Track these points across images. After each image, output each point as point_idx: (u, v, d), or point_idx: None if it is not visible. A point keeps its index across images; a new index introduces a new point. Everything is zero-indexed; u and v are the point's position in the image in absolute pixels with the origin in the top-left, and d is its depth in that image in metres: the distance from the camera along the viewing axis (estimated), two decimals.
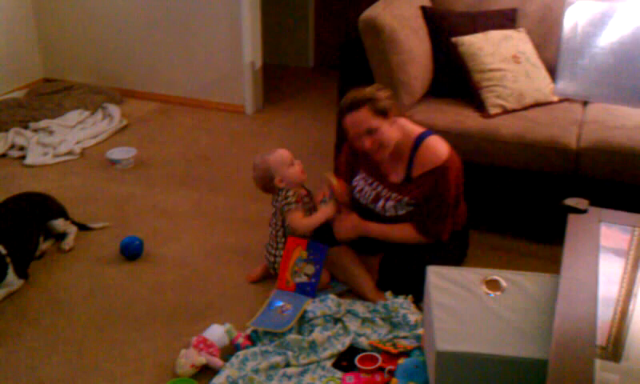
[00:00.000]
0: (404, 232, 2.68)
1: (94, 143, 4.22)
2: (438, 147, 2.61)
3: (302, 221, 2.75)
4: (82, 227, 3.20)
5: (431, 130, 2.71)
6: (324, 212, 2.76)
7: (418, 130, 2.68)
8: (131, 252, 2.98)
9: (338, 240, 2.77)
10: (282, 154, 2.80)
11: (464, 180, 2.71)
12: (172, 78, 4.93)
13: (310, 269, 2.70)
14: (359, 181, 2.82)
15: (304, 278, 2.69)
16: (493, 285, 2.12)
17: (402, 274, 2.67)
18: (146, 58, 4.94)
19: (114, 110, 4.61)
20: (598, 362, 1.62)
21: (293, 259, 2.73)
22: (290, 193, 2.75)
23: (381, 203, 2.72)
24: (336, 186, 2.76)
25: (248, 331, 2.48)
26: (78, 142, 4.16)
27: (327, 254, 2.73)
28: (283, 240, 2.80)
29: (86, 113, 4.54)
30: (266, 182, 2.82)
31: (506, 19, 3.46)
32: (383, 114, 2.57)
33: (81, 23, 5.00)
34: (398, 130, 2.64)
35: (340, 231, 2.76)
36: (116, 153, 3.93)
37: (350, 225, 2.75)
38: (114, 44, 4.98)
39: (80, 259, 3.00)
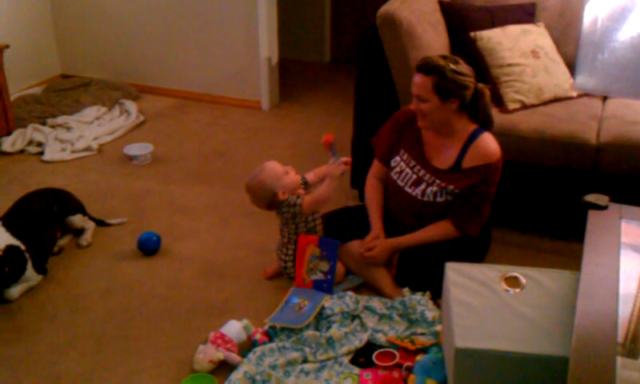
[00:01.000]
0: (439, 231, 2.67)
1: (111, 139, 4.24)
2: (494, 145, 2.61)
3: (316, 196, 2.72)
4: (100, 223, 3.21)
5: None
6: (332, 173, 2.70)
7: (474, 124, 2.64)
8: (149, 248, 2.99)
9: (374, 266, 2.74)
10: (274, 167, 2.74)
11: None
12: (188, 74, 4.93)
13: (325, 265, 2.69)
14: (399, 162, 2.77)
15: (320, 275, 2.69)
16: (512, 282, 2.10)
17: (422, 270, 2.65)
18: (162, 54, 4.95)
19: (130, 105, 4.63)
20: (619, 360, 1.61)
21: (307, 257, 2.73)
22: (293, 197, 2.71)
23: (422, 187, 2.68)
24: (332, 138, 2.70)
25: (265, 327, 2.48)
26: (95, 138, 4.17)
27: (339, 248, 2.72)
28: (293, 248, 2.77)
29: (103, 109, 4.55)
30: (269, 200, 2.73)
31: (525, 13, 3.43)
32: (442, 93, 2.52)
33: (98, 19, 5.02)
34: (452, 116, 2.59)
35: (376, 259, 2.71)
36: (133, 149, 3.95)
37: (383, 249, 2.71)
38: (131, 40, 4.99)
39: (98, 255, 3.02)
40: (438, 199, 2.65)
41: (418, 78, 2.56)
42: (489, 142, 2.60)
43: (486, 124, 2.65)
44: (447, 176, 2.63)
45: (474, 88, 2.58)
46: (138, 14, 4.89)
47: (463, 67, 2.56)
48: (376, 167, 2.89)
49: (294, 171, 2.77)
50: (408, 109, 2.71)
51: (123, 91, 4.81)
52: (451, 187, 2.62)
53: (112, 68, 5.13)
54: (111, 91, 4.78)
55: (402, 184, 2.73)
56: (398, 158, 2.77)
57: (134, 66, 5.07)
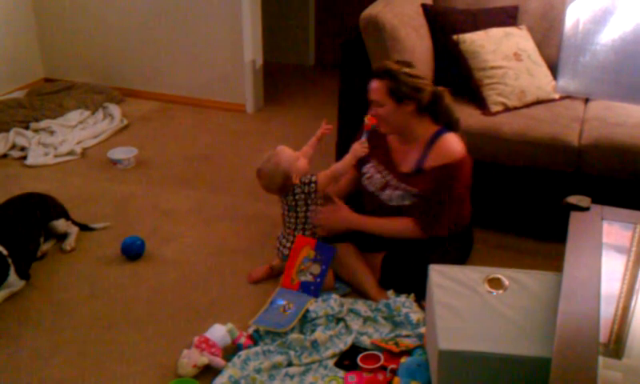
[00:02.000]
0: (401, 226, 2.67)
1: (95, 143, 4.22)
2: (455, 144, 2.61)
3: (332, 170, 2.73)
4: (84, 227, 3.20)
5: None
6: (357, 152, 2.71)
7: (437, 126, 2.66)
8: (133, 252, 2.97)
9: (321, 232, 2.76)
10: (289, 152, 2.77)
11: (472, 181, 2.72)
12: (173, 78, 4.92)
13: (317, 269, 2.70)
14: (370, 168, 2.81)
15: (309, 277, 2.69)
16: (495, 283, 2.11)
17: (405, 273, 2.66)
18: (146, 58, 4.94)
19: (114, 109, 4.61)
20: (601, 360, 1.62)
21: (300, 258, 2.73)
22: (307, 176, 2.73)
23: (388, 192, 2.71)
24: (368, 125, 2.69)
25: (250, 330, 2.48)
26: (78, 142, 4.16)
27: (335, 255, 2.73)
28: (302, 228, 2.78)
29: (87, 112, 4.53)
30: (282, 184, 2.74)
31: (507, 16, 3.45)
32: (396, 96, 2.56)
33: (81, 23, 4.99)
34: (411, 119, 2.62)
35: (327, 220, 2.74)
36: (117, 153, 3.93)
37: (339, 216, 2.74)
38: (115, 43, 4.98)
39: (81, 260, 3.00)
40: (405, 202, 2.67)
41: (373, 84, 2.61)
42: (451, 142, 2.61)
43: (450, 125, 2.67)
44: (410, 179, 2.66)
45: (431, 91, 2.62)
46: (121, 18, 4.87)
47: (417, 71, 2.61)
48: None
49: (304, 154, 2.81)
50: None
51: (107, 95, 4.79)
52: (415, 190, 2.64)
53: (95, 71, 5.11)
54: (95, 95, 4.76)
55: (372, 189, 2.77)
56: (368, 165, 2.82)
57: (118, 70, 5.05)
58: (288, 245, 2.79)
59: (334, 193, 2.85)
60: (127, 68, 5.02)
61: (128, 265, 2.96)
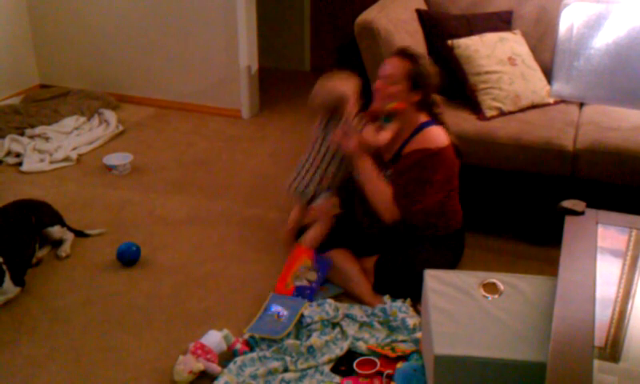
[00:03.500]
0: (384, 192, 2.65)
1: (91, 149, 4.21)
2: (436, 135, 2.64)
3: (376, 135, 2.69)
4: (79, 234, 3.19)
5: None
6: (393, 129, 2.68)
7: (426, 119, 2.69)
8: (128, 258, 2.97)
9: (341, 148, 2.71)
10: (356, 86, 2.74)
11: (458, 181, 2.72)
12: (168, 83, 4.92)
13: (313, 275, 2.70)
14: None
15: (304, 282, 2.69)
16: (490, 288, 2.12)
17: (397, 276, 2.67)
18: (142, 63, 4.94)
19: (110, 115, 4.61)
20: (597, 363, 1.62)
21: (297, 266, 2.73)
22: (357, 117, 2.71)
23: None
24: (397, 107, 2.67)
25: (246, 336, 2.48)
26: (74, 149, 4.15)
27: (331, 268, 2.74)
28: (325, 167, 2.76)
29: (83, 119, 4.53)
30: (335, 105, 2.71)
31: (502, 21, 3.46)
32: (413, 81, 2.60)
33: (76, 29, 4.99)
34: (411, 112, 2.65)
35: (343, 141, 2.67)
36: (112, 159, 3.93)
37: (353, 144, 2.66)
38: (110, 49, 4.97)
39: (77, 266, 2.99)
40: None
41: (394, 60, 2.64)
42: (433, 132, 2.64)
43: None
44: (387, 164, 2.70)
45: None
46: (117, 23, 4.87)
47: (428, 61, 2.66)
48: None
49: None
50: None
51: (102, 101, 4.79)
52: (389, 172, 2.67)
53: (91, 77, 5.10)
54: (90, 101, 4.75)
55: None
56: None
57: (114, 76, 5.04)
58: (310, 176, 2.77)
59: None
60: (123, 74, 5.02)
61: (123, 271, 2.95)
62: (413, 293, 2.53)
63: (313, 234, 2.83)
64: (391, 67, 2.63)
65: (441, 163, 2.63)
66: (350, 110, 2.70)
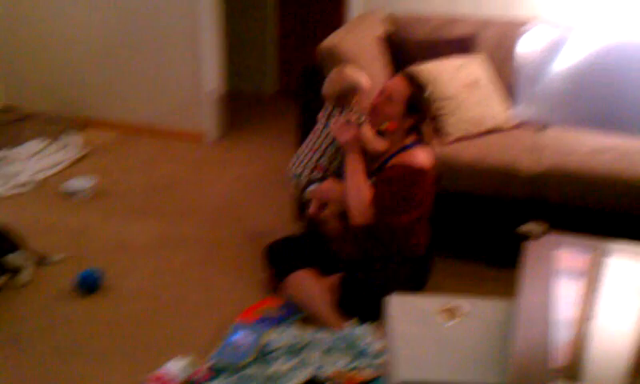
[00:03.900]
0: (364, 193, 2.66)
1: (53, 173, 4.16)
2: (420, 156, 2.68)
3: (375, 138, 2.71)
4: (40, 260, 3.14)
5: None
6: (384, 143, 2.73)
7: (412, 140, 2.74)
8: (89, 285, 2.93)
9: (338, 137, 2.71)
10: (370, 84, 2.76)
11: (430, 207, 2.76)
12: (132, 106, 4.89)
13: (279, 312, 2.72)
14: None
15: (270, 313, 2.70)
16: (451, 312, 2.13)
17: (363, 296, 2.68)
18: (106, 86, 4.90)
19: (73, 138, 4.56)
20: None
21: (264, 306, 2.78)
22: (360, 110, 2.71)
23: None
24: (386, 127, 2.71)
25: (209, 364, 2.45)
26: (36, 172, 4.10)
27: (299, 315, 2.75)
28: (320, 155, 2.77)
29: (45, 142, 4.48)
30: (344, 93, 2.72)
31: (464, 46, 3.51)
32: (410, 107, 2.65)
33: (40, 51, 4.95)
34: (401, 132, 2.71)
35: (342, 132, 2.69)
36: (75, 183, 3.88)
37: (351, 136, 2.68)
38: (74, 72, 4.93)
39: (37, 293, 2.94)
40: None
41: (399, 81, 2.68)
42: (418, 153, 2.69)
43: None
44: (372, 174, 2.72)
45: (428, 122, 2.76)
46: (82, 46, 4.84)
47: (429, 89, 2.72)
48: None
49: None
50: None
51: (66, 124, 4.74)
52: (372, 180, 2.70)
53: (55, 100, 5.05)
54: (53, 124, 4.70)
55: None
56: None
57: (78, 98, 5.00)
58: (305, 162, 2.79)
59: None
60: (87, 97, 4.98)
61: (85, 298, 2.91)
62: (377, 312, 2.54)
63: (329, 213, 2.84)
64: (394, 88, 2.68)
65: (420, 183, 2.68)
66: (359, 101, 2.72)
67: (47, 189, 3.98)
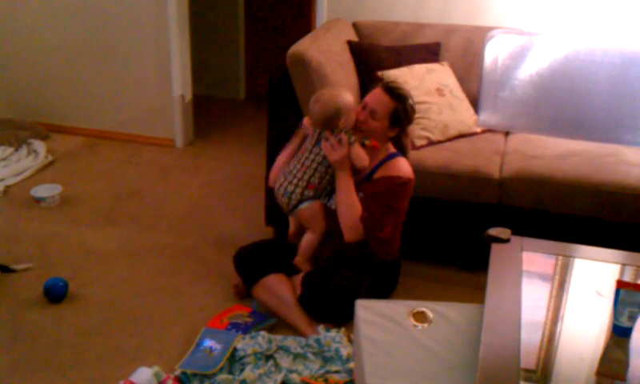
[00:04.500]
0: (356, 211, 2.67)
1: (18, 181, 4.10)
2: (406, 167, 2.72)
3: (364, 154, 2.69)
4: (4, 269, 3.09)
5: None
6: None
7: (394, 149, 2.78)
8: (55, 294, 2.89)
9: (329, 156, 2.70)
10: (352, 99, 2.74)
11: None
12: (99, 112, 4.84)
13: (249, 319, 2.71)
14: None
15: (240, 320, 2.69)
16: (420, 317, 2.14)
17: (326, 296, 2.70)
18: (72, 92, 4.85)
19: (39, 145, 4.51)
20: None
21: (234, 313, 2.76)
22: (347, 130, 2.69)
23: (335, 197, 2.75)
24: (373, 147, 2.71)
25: (177, 373, 2.43)
26: (1, 180, 4.03)
27: (268, 322, 2.75)
28: (311, 173, 2.75)
29: (10, 149, 4.41)
30: (330, 118, 2.69)
31: (430, 53, 3.55)
32: (394, 120, 2.68)
33: (5, 56, 4.87)
34: (385, 140, 2.74)
35: (331, 152, 2.67)
36: (40, 190, 3.83)
37: (341, 155, 2.67)
38: (39, 77, 4.87)
39: (2, 303, 2.89)
40: None
41: (381, 96, 2.69)
42: (403, 163, 2.73)
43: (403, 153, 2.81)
44: (359, 186, 2.72)
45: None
46: (46, 51, 4.78)
47: (411, 99, 2.73)
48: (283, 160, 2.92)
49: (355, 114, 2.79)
50: None
51: (31, 130, 4.68)
52: (360, 194, 2.71)
53: (19, 106, 4.98)
54: (18, 131, 4.63)
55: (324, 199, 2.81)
56: None
57: (43, 104, 4.94)
58: (294, 181, 2.77)
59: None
60: (52, 103, 4.92)
61: (51, 307, 2.86)
62: (339, 312, 2.57)
63: (305, 244, 2.83)
64: (377, 103, 2.68)
65: (407, 193, 2.72)
66: (347, 120, 2.71)
67: (13, 196, 3.91)
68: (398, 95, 2.69)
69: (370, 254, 2.75)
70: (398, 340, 2.06)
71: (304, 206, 2.78)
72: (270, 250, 2.95)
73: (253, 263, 2.87)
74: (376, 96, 2.71)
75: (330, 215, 2.77)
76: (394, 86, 2.73)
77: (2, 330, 2.72)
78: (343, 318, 2.63)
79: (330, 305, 2.67)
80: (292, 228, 2.92)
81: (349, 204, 2.69)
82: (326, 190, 2.79)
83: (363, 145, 2.72)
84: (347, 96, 2.74)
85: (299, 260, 2.84)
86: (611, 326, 1.96)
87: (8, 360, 2.55)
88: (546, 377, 1.87)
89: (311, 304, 2.71)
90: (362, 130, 2.70)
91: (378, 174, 2.72)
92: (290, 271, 2.84)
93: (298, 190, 2.76)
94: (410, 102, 2.70)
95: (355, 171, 2.73)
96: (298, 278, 2.78)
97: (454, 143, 3.23)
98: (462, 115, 3.33)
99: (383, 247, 2.75)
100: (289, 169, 2.82)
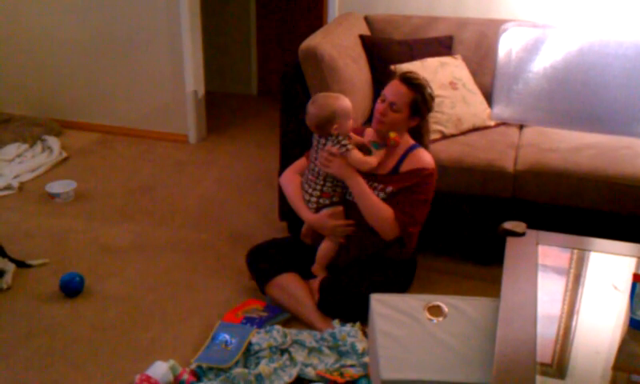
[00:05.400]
0: (386, 212, 2.66)
1: (33, 177, 4.13)
2: (429, 157, 2.72)
3: (364, 157, 2.69)
4: (21, 264, 3.11)
5: None
6: (380, 155, 2.71)
7: (413, 141, 2.76)
8: (71, 289, 2.91)
9: (325, 169, 2.71)
10: (349, 105, 2.71)
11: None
12: (113, 108, 4.87)
13: (263, 313, 2.72)
14: None
15: (254, 314, 2.70)
16: (435, 311, 2.14)
17: (344, 297, 2.69)
18: (86, 89, 4.87)
19: (53, 142, 4.53)
20: (542, 381, 1.67)
21: (249, 307, 2.78)
22: (344, 138, 2.68)
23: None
24: (395, 143, 2.69)
25: (193, 366, 2.45)
26: (16, 176, 4.06)
27: (283, 316, 2.75)
28: (321, 183, 2.75)
29: (25, 146, 4.44)
30: (324, 122, 2.68)
31: (443, 46, 3.53)
32: (414, 110, 2.67)
33: (19, 53, 4.91)
34: (406, 130, 2.74)
35: (331, 162, 2.68)
36: (55, 186, 3.86)
37: (342, 163, 2.68)
38: (53, 74, 4.90)
39: (18, 298, 2.92)
40: (380, 197, 2.70)
41: (400, 87, 2.67)
42: (425, 154, 2.73)
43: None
44: (386, 179, 2.71)
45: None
46: (60, 48, 4.80)
47: (430, 87, 2.71)
48: (302, 162, 2.92)
49: (355, 126, 2.81)
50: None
51: (45, 127, 4.71)
52: (390, 188, 2.69)
53: (34, 103, 5.01)
54: (33, 127, 4.66)
55: (349, 196, 2.78)
56: None
57: (57, 101, 4.97)
58: (310, 191, 2.77)
59: None
60: (66, 99, 4.95)
61: (67, 302, 2.89)
62: (359, 313, 2.55)
63: (322, 252, 2.82)
64: (396, 95, 2.66)
65: (433, 184, 2.72)
66: (340, 127, 2.69)
67: (28, 193, 3.94)
68: (416, 85, 2.67)
69: (387, 257, 2.76)
70: (413, 334, 2.06)
71: (324, 211, 2.78)
72: (283, 249, 2.94)
73: (266, 262, 2.87)
74: (394, 88, 2.69)
75: (353, 210, 2.76)
76: (411, 76, 2.71)
77: (18, 324, 2.75)
78: (361, 319, 2.61)
79: (349, 308, 2.66)
80: (305, 227, 2.92)
81: (371, 207, 2.68)
82: (344, 195, 2.79)
83: (376, 145, 2.71)
84: (344, 101, 2.71)
85: (316, 267, 2.83)
86: (628, 320, 1.95)
87: (24, 354, 2.57)
88: (561, 371, 1.87)
89: (329, 309, 2.71)
90: (382, 123, 2.68)
91: (404, 167, 2.70)
92: (302, 271, 2.84)
93: (314, 199, 2.76)
94: (429, 90, 2.69)
95: (377, 167, 2.72)
96: (315, 283, 2.77)
97: (467, 137, 3.21)
98: (476, 109, 3.32)
99: (412, 242, 2.74)
100: (305, 177, 2.83)
